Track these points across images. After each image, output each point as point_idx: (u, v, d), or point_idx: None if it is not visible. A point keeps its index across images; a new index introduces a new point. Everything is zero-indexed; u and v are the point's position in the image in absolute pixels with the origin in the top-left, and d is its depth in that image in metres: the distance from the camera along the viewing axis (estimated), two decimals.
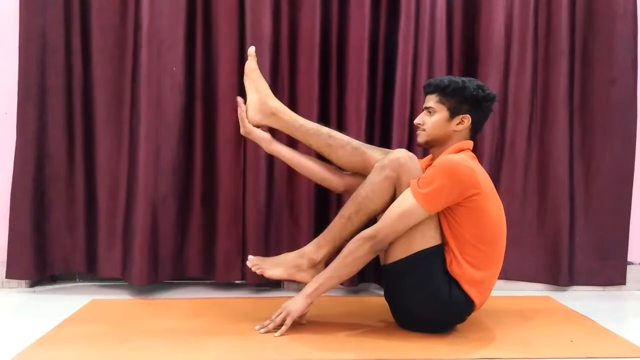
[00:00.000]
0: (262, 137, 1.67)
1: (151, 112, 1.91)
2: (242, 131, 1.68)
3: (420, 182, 1.46)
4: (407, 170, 1.49)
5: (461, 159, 1.48)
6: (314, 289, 1.53)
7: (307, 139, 1.66)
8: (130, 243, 1.90)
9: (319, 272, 1.57)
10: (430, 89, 1.61)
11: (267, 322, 1.55)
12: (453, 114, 1.57)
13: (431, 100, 1.60)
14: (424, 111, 1.63)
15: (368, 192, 1.53)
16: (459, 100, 1.57)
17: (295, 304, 1.53)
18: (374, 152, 1.62)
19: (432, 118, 1.59)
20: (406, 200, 1.46)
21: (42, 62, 1.93)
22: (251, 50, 1.68)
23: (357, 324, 1.64)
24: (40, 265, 1.94)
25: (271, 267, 1.61)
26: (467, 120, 1.58)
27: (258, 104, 1.66)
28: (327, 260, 1.60)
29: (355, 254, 1.50)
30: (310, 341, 1.48)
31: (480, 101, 1.57)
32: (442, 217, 1.51)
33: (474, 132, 1.62)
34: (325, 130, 1.65)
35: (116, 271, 1.96)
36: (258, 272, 1.60)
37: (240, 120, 1.67)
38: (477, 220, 1.48)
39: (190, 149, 2.02)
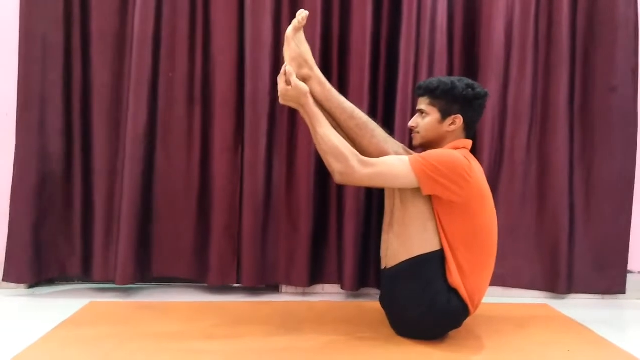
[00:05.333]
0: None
1: (148, 115, 1.92)
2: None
3: (417, 155, 1.51)
4: None
5: (459, 153, 1.51)
6: (306, 105, 1.51)
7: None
8: (117, 243, 1.91)
9: (303, 85, 1.52)
10: (420, 92, 1.62)
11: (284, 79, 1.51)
12: (444, 115, 1.58)
13: (422, 103, 1.61)
14: (417, 114, 1.63)
15: (374, 141, 1.60)
16: (449, 101, 1.57)
17: (301, 88, 1.51)
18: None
19: (425, 120, 1.60)
20: (401, 163, 1.47)
21: (42, 64, 1.93)
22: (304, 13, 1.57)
23: (354, 330, 1.64)
24: (37, 269, 1.94)
25: (297, 41, 1.57)
26: (459, 120, 1.58)
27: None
28: (312, 96, 1.54)
29: (332, 151, 1.47)
30: (307, 347, 1.48)
31: (471, 100, 1.57)
32: (436, 220, 1.50)
33: (469, 131, 1.63)
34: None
35: (111, 274, 1.95)
36: (296, 24, 1.56)
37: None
38: (469, 219, 1.49)
39: (188, 151, 2.01)
